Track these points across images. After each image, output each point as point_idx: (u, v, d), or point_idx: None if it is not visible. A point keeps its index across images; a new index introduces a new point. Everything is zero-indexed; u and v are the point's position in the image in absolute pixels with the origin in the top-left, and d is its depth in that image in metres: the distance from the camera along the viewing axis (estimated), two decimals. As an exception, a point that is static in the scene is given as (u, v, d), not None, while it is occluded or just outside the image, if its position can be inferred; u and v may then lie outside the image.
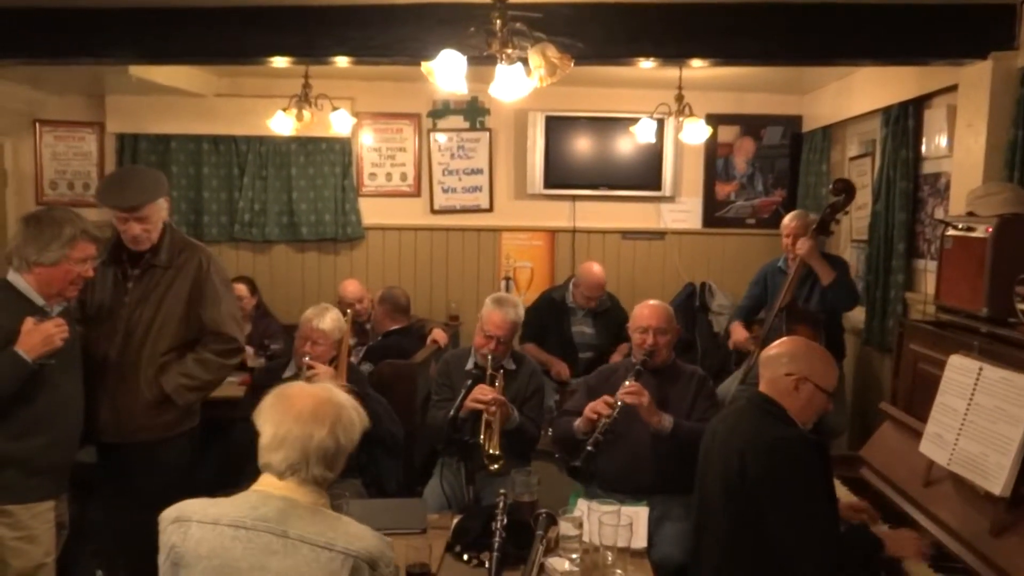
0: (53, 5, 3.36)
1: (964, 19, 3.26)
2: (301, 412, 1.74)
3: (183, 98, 5.50)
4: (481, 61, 2.95)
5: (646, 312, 3.34)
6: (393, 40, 3.38)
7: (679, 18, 3.30)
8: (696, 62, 3.53)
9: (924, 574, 2.32)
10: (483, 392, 3.18)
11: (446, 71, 2.75)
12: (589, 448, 2.96)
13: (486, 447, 3.16)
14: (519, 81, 2.84)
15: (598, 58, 3.40)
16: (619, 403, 3.04)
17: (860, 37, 3.32)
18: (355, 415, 1.80)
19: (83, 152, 5.80)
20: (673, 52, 3.42)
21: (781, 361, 2.52)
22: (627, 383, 3.11)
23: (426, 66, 2.79)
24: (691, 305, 5.78)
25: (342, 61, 3.53)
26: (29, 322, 2.58)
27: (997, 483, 2.27)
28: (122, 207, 2.95)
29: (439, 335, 4.85)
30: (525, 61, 2.85)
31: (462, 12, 3.19)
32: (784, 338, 2.72)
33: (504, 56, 2.83)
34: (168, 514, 1.77)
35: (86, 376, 2.93)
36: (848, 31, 3.31)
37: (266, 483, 1.76)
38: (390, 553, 1.74)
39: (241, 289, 5.11)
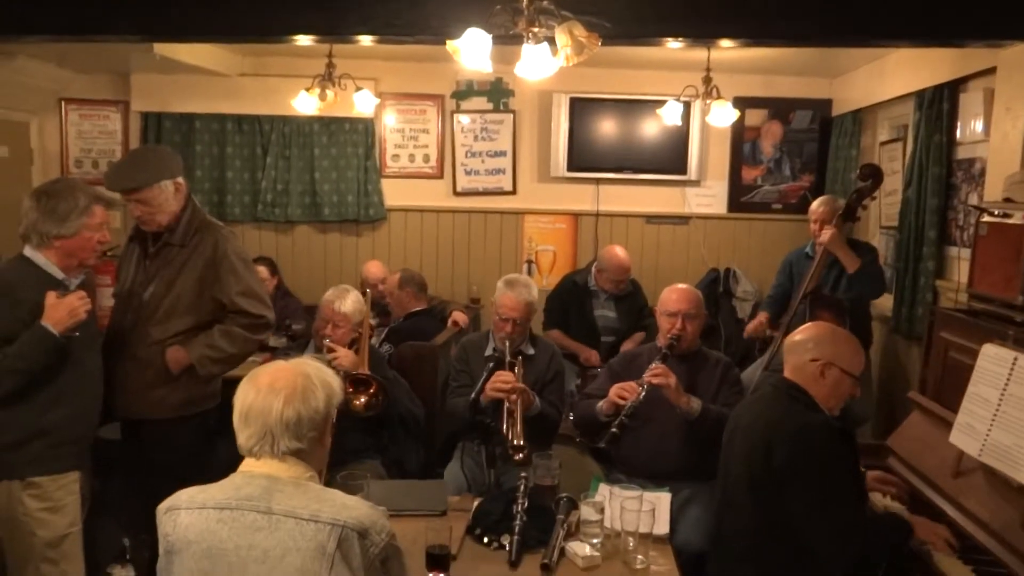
0: (77, -19, 3.35)
1: (1004, -1, 3.16)
2: (260, 387, 1.72)
3: (207, 77, 5.50)
4: (506, 40, 2.90)
5: (675, 296, 3.29)
6: (418, 18, 3.32)
7: (709, -3, 3.23)
8: (725, 43, 3.45)
9: (953, 565, 2.27)
10: (503, 380, 3.13)
11: (471, 50, 2.71)
12: (614, 430, 2.93)
13: (510, 438, 3.12)
14: (545, 60, 2.79)
15: (625, 38, 3.33)
16: (645, 385, 3.00)
17: (895, 17, 3.21)
18: (318, 384, 1.76)
19: (108, 131, 5.82)
20: (702, 32, 3.34)
21: (806, 347, 2.48)
22: (653, 366, 3.07)
23: (451, 44, 2.75)
24: (715, 291, 5.72)
25: (366, 40, 3.48)
26: (52, 296, 2.59)
27: (1031, 475, 2.22)
28: (117, 189, 2.94)
29: (459, 317, 4.83)
30: (551, 40, 2.81)
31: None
32: (808, 323, 2.67)
33: (530, 35, 2.78)
34: (162, 505, 1.77)
35: (105, 351, 2.95)
36: (882, 11, 3.21)
37: (248, 464, 1.75)
38: (383, 521, 1.72)
39: (261, 271, 5.10)
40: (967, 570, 2.23)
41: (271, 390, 1.72)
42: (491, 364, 3.17)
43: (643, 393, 2.99)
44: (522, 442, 3.10)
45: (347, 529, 1.65)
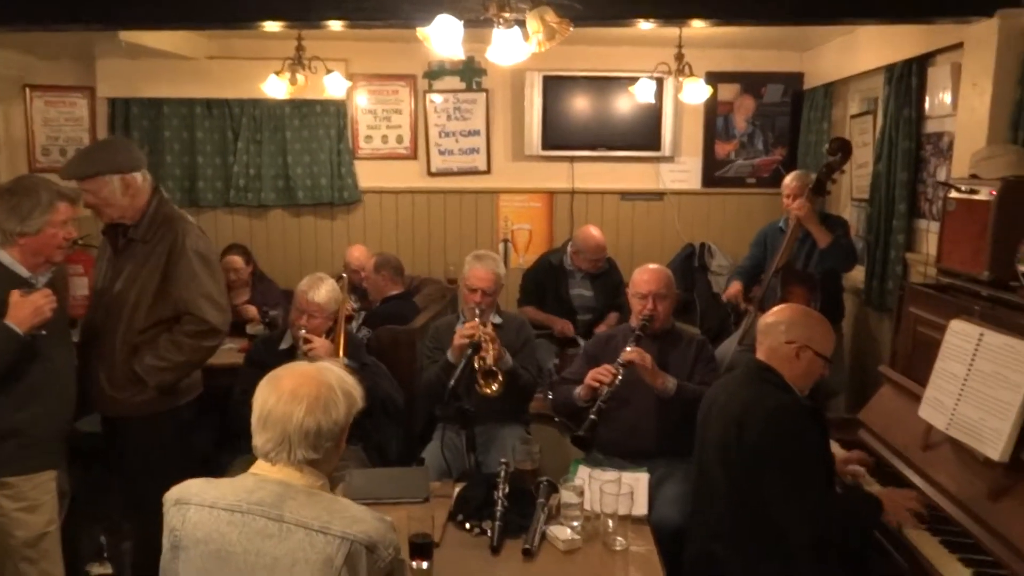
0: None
1: (970, -25, 3.19)
2: (282, 393, 1.71)
3: (174, 61, 5.41)
4: (478, 23, 2.89)
5: (645, 277, 3.32)
6: (387, 2, 3.29)
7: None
8: (696, 22, 3.46)
9: (922, 538, 2.34)
10: (470, 326, 3.25)
11: (442, 37, 2.70)
12: (592, 417, 2.97)
13: (482, 364, 3.19)
14: (517, 45, 2.78)
15: (597, 19, 3.32)
16: (621, 368, 3.04)
17: (863, -4, 3.25)
18: (340, 395, 1.75)
19: (75, 117, 5.72)
20: (673, 13, 3.34)
21: (780, 329, 2.52)
22: (628, 348, 3.11)
23: (422, 32, 2.73)
24: (690, 266, 5.77)
25: (336, 25, 3.45)
26: (16, 295, 2.55)
27: (995, 449, 2.29)
28: (65, 178, 2.89)
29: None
30: (522, 23, 2.80)
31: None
32: (782, 305, 2.71)
33: (501, 20, 2.77)
34: (171, 495, 1.76)
35: (80, 349, 2.94)
36: (851, -10, 3.24)
37: (262, 467, 1.75)
38: (391, 536, 1.72)
39: (236, 261, 5.06)
40: (935, 541, 2.30)
41: (293, 397, 1.70)
42: (470, 349, 3.19)
43: (620, 376, 3.03)
44: (495, 367, 3.18)
45: (356, 544, 1.65)
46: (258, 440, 1.74)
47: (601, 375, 3.07)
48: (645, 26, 3.49)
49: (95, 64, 5.52)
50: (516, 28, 2.78)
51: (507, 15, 2.78)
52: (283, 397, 1.71)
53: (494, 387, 3.15)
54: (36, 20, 3.46)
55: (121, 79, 5.55)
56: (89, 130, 5.75)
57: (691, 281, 5.69)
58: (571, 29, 2.71)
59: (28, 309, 2.54)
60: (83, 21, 3.49)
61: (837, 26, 4.69)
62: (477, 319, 3.32)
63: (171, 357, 2.98)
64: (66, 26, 3.55)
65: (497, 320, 3.54)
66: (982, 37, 3.32)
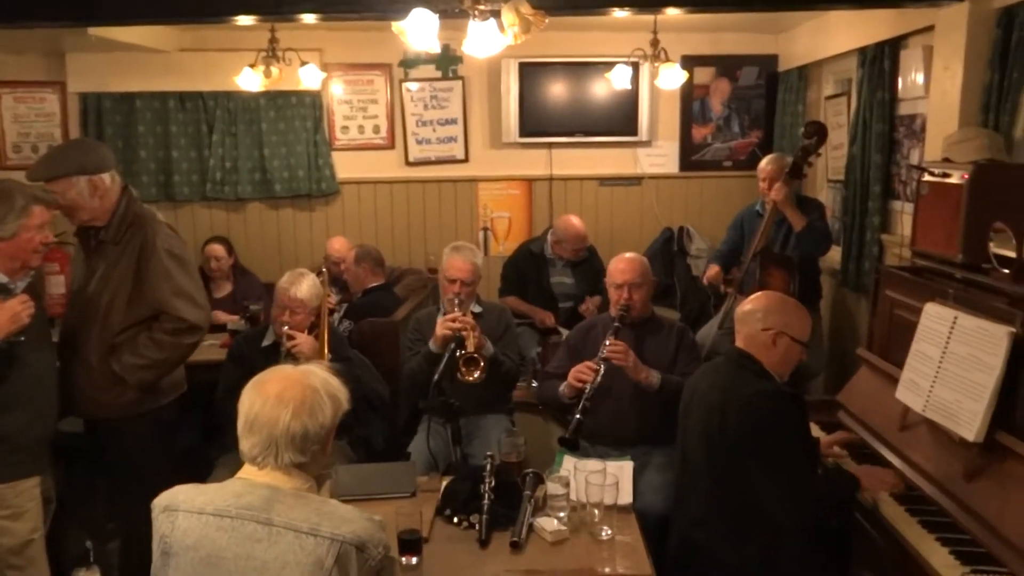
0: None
1: (940, -41, 3.22)
2: (268, 397, 1.71)
3: (146, 54, 5.34)
4: (453, 15, 2.88)
5: (620, 267, 3.33)
6: (361, -5, 3.29)
7: (653, -34, 3.23)
8: (671, 10, 3.47)
9: (901, 518, 2.39)
10: (451, 317, 3.26)
11: (418, 31, 2.69)
12: (578, 417, 2.98)
13: (464, 351, 3.20)
14: (492, 38, 2.78)
15: (572, 8, 3.34)
16: (602, 365, 3.06)
17: (837, -19, 3.27)
18: (326, 398, 1.75)
19: (45, 113, 5.63)
20: (648, 0, 3.35)
21: (756, 316, 2.56)
22: (608, 342, 3.13)
23: (397, 26, 2.72)
24: (669, 250, 5.81)
25: (309, 18, 3.43)
26: None
27: (971, 430, 2.33)
28: (32, 179, 2.82)
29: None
30: (497, 14, 2.79)
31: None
32: (758, 293, 2.74)
33: (476, 12, 2.76)
34: (159, 501, 1.77)
35: (59, 352, 2.91)
36: (825, -25, 3.26)
37: (249, 471, 1.75)
38: (380, 534, 1.73)
39: (218, 250, 5.07)
40: (914, 522, 2.35)
41: (279, 401, 1.70)
42: (453, 346, 3.20)
43: (601, 373, 3.05)
44: (476, 354, 3.20)
45: (346, 544, 1.66)
46: (245, 445, 1.74)
47: (583, 374, 3.08)
48: (620, 14, 3.49)
49: (65, 59, 5.45)
50: (492, 20, 2.77)
51: (482, 7, 2.77)
52: (269, 401, 1.71)
53: (476, 374, 3.16)
54: (3, 17, 3.41)
55: (92, 73, 5.47)
56: (61, 125, 5.66)
57: (670, 265, 5.73)
58: (547, 21, 2.71)
59: (5, 316, 2.51)
60: (52, 18, 3.45)
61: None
62: (456, 309, 3.33)
63: (150, 355, 2.95)
64: (35, 23, 3.50)
65: (477, 309, 3.56)
66: (953, 20, 3.35)
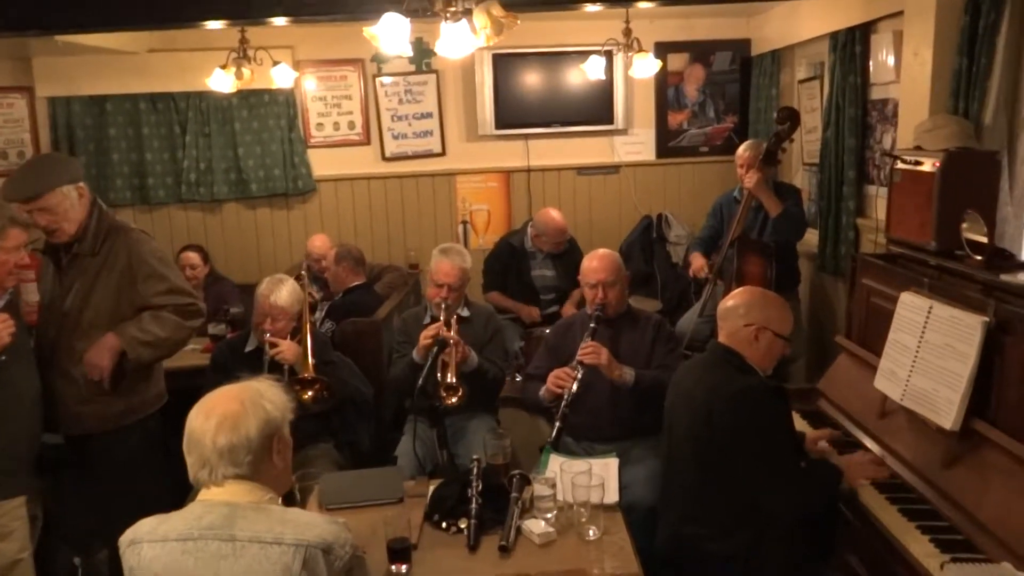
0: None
1: (908, -53, 3.23)
2: (197, 415, 1.76)
3: (114, 56, 5.28)
4: (424, 16, 2.87)
5: (593, 266, 3.32)
6: (331, -3, 3.26)
7: (624, -40, 3.22)
8: (642, 4, 3.47)
9: (882, 507, 2.43)
10: (433, 328, 3.25)
11: (390, 35, 2.67)
12: (558, 425, 3.00)
13: (444, 379, 3.22)
14: (465, 39, 2.77)
15: (544, 5, 3.34)
16: (579, 369, 3.07)
17: (806, -30, 3.28)
18: (249, 410, 1.77)
19: (14, 119, 5.54)
20: (618, -4, 3.36)
21: (738, 312, 2.58)
22: (583, 344, 3.13)
23: (368, 31, 2.71)
24: (649, 237, 5.83)
25: (280, 21, 3.41)
26: None
27: (948, 418, 2.38)
28: (16, 199, 2.81)
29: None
30: (469, 13, 2.78)
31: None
32: (739, 288, 2.77)
33: (448, 14, 2.75)
34: (124, 538, 1.78)
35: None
36: (794, -36, 3.27)
37: (207, 492, 1.77)
38: (345, 534, 1.76)
39: (193, 258, 5.01)
40: (894, 510, 2.39)
41: (206, 419, 1.75)
42: (435, 349, 3.21)
43: (579, 377, 3.06)
44: (455, 381, 3.21)
45: (311, 548, 1.69)
46: (188, 464, 1.77)
47: (561, 380, 3.09)
48: (592, 8, 3.49)
49: (32, 63, 5.37)
50: (464, 21, 2.76)
51: (453, 9, 2.76)
52: (198, 420, 1.76)
53: (454, 400, 3.19)
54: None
55: (60, 78, 5.40)
56: (30, 131, 5.58)
57: (650, 253, 5.75)
58: (518, 22, 2.71)
59: None
60: (18, 28, 3.41)
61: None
62: (443, 314, 3.33)
63: (154, 331, 2.96)
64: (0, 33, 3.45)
65: (465, 313, 3.56)
66: (921, 7, 3.38)
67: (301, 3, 3.28)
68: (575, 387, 3.05)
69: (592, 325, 3.21)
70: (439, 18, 2.79)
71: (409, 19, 2.71)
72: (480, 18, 2.68)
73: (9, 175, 3.00)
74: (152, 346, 2.98)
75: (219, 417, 1.74)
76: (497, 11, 2.66)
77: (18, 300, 2.91)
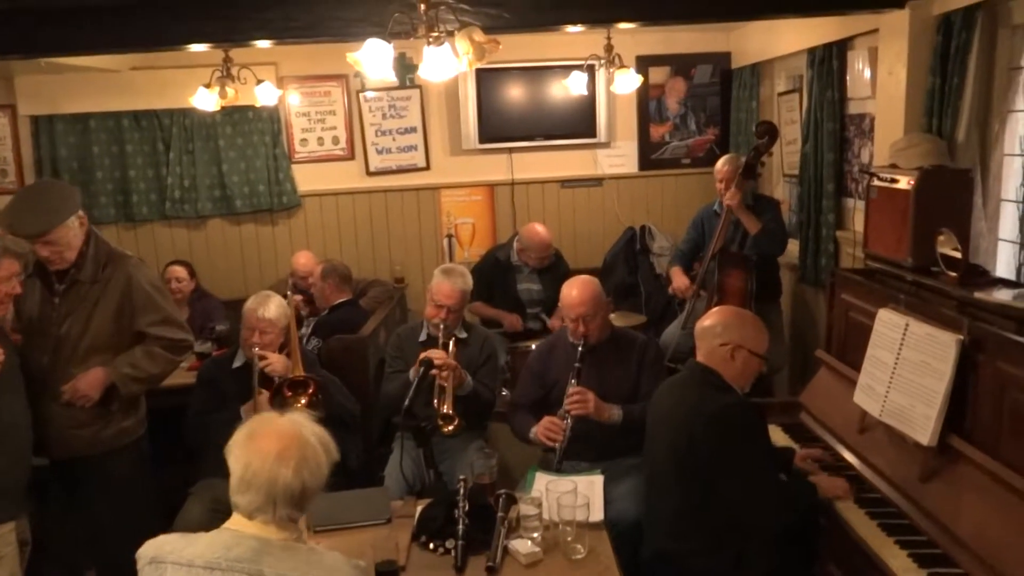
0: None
1: (881, -32, 3.30)
2: (267, 454, 1.72)
3: (97, 74, 5.28)
4: (407, 37, 2.90)
5: (574, 297, 3.26)
6: (315, 21, 3.28)
7: (604, -18, 3.27)
8: (624, 24, 3.52)
9: (861, 521, 2.48)
10: (435, 355, 3.25)
11: (373, 61, 2.70)
12: (557, 467, 3.04)
13: (440, 408, 3.25)
14: (447, 62, 2.80)
15: (525, 27, 3.38)
16: (568, 419, 3.09)
17: (782, -8, 3.35)
18: (321, 452, 1.78)
19: (-4, 137, 5.55)
20: (599, 17, 3.40)
21: (715, 331, 2.63)
22: (569, 391, 3.11)
23: (351, 57, 2.73)
24: (632, 249, 5.87)
25: (264, 43, 3.42)
26: None
27: (924, 434, 2.43)
28: (23, 235, 2.83)
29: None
30: (452, 34, 2.82)
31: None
32: (715, 308, 2.82)
33: (431, 38, 2.79)
34: (145, 552, 1.77)
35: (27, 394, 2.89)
36: (771, -14, 3.34)
37: (237, 522, 1.77)
38: None
39: (180, 271, 5.02)
40: (873, 525, 2.44)
41: (279, 459, 1.71)
42: (422, 368, 3.23)
43: (569, 427, 3.08)
44: (451, 412, 3.24)
45: None
46: (241, 500, 1.75)
47: (552, 432, 3.11)
48: (573, 30, 3.53)
49: (14, 82, 5.37)
50: (446, 45, 2.80)
51: (436, 34, 2.80)
52: (268, 459, 1.72)
53: (450, 428, 3.22)
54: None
55: (43, 96, 5.40)
56: (12, 149, 5.56)
57: (634, 264, 5.79)
58: (499, 48, 2.75)
59: None
60: (0, 52, 3.40)
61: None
62: (441, 335, 3.37)
63: (145, 367, 3.07)
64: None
65: (463, 334, 3.58)
66: (895, 26, 3.44)
67: (285, 27, 3.30)
68: (567, 434, 3.07)
69: (576, 365, 3.16)
70: (422, 41, 2.83)
71: (392, 45, 2.74)
72: (462, 44, 2.71)
73: (10, 204, 3.00)
74: (142, 382, 3.10)
75: (296, 460, 1.72)
76: (479, 36, 2.70)
77: (5, 328, 2.92)
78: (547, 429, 3.13)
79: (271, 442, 1.74)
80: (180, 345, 3.20)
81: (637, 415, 3.09)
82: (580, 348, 3.21)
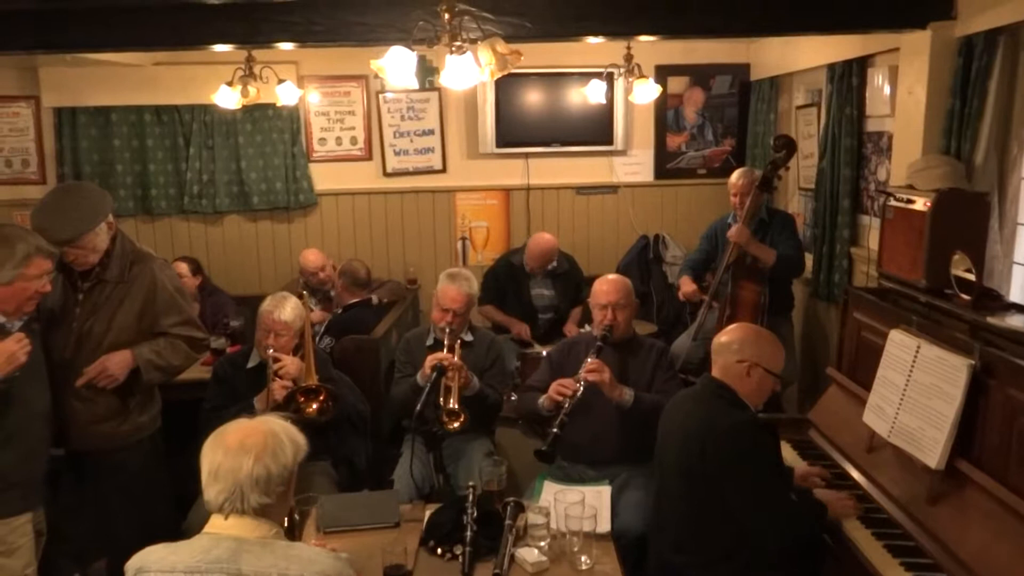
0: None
1: (904, -12, 3.30)
2: (229, 446, 1.79)
3: (121, 68, 5.33)
4: (429, 44, 2.93)
5: (605, 288, 3.39)
6: (338, 25, 3.32)
7: (625, -4, 3.29)
8: (643, 38, 3.54)
9: (868, 543, 2.48)
10: (440, 356, 3.30)
11: (397, 69, 2.73)
12: (555, 430, 3.06)
13: (445, 404, 3.28)
14: (469, 71, 2.83)
15: (546, 37, 3.40)
16: (582, 383, 3.14)
17: (803, 10, 3.35)
18: (285, 440, 1.84)
19: (19, 128, 5.60)
20: (620, 30, 3.43)
21: (732, 348, 2.64)
22: (588, 360, 3.20)
23: (375, 64, 2.76)
24: (645, 257, 5.89)
25: (286, 46, 3.46)
26: None
27: (933, 457, 2.44)
28: (55, 240, 2.86)
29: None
30: (475, 44, 2.84)
31: (409, 2, 3.16)
32: (734, 325, 2.82)
33: (453, 47, 2.81)
34: (131, 564, 1.82)
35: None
36: (792, 4, 3.34)
37: (215, 524, 1.81)
38: (347, 570, 1.82)
39: (181, 267, 5.04)
40: (879, 546, 2.44)
41: (241, 448, 1.78)
42: (434, 374, 3.27)
43: (580, 390, 3.12)
44: (458, 407, 3.26)
45: None
46: (210, 493, 1.80)
47: (564, 389, 3.16)
48: (593, 41, 3.55)
49: (38, 73, 5.43)
50: (469, 54, 2.82)
51: (459, 43, 2.82)
52: (231, 450, 1.79)
53: (455, 425, 3.24)
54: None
55: (66, 88, 5.46)
56: (35, 140, 5.64)
57: (646, 273, 5.81)
58: (521, 59, 2.77)
59: (2, 357, 2.54)
60: (27, 47, 3.46)
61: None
62: (447, 338, 3.40)
63: (168, 357, 3.15)
64: (9, 52, 3.51)
65: (468, 338, 3.62)
66: (916, 47, 3.45)
67: (308, 30, 3.33)
68: (577, 396, 3.11)
69: (598, 344, 3.27)
70: (445, 46, 2.85)
71: (415, 53, 2.77)
72: (485, 54, 2.74)
73: (42, 206, 3.02)
74: (163, 371, 3.17)
75: (258, 447, 1.78)
76: (502, 47, 2.72)
77: (33, 321, 2.96)
78: (560, 385, 3.17)
79: (235, 437, 1.81)
80: (200, 343, 3.31)
81: (647, 404, 3.13)
82: (603, 332, 3.30)
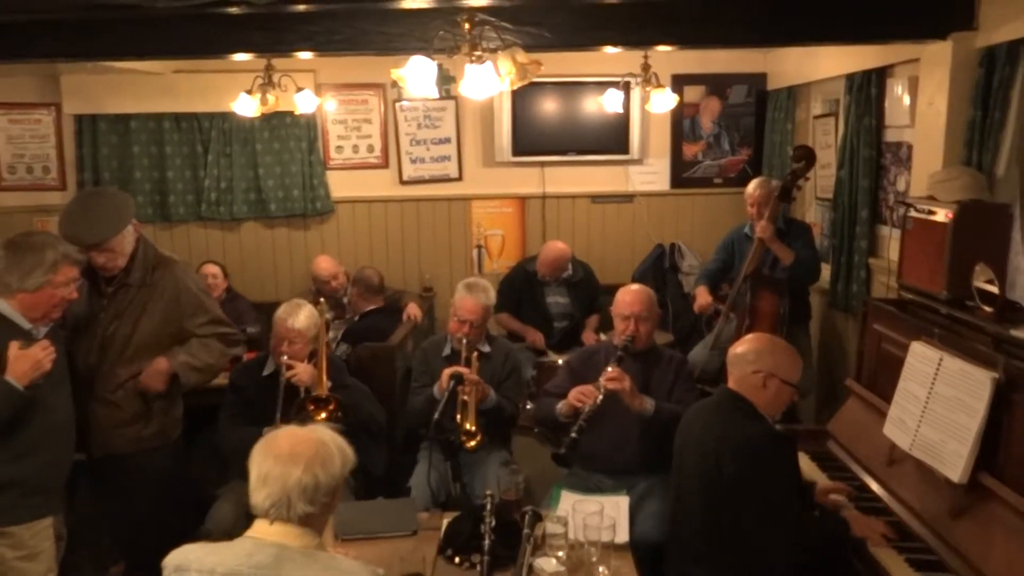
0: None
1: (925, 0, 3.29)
2: (280, 452, 1.80)
3: (141, 76, 5.37)
4: (449, 54, 2.95)
5: (628, 299, 3.38)
6: (358, 35, 3.34)
7: (644, 6, 3.29)
8: (661, 48, 3.54)
9: (888, 555, 2.46)
10: (461, 371, 3.30)
11: (417, 78, 2.75)
12: (573, 435, 3.05)
13: (463, 425, 3.28)
14: (489, 81, 2.84)
15: (565, 47, 3.41)
16: (602, 390, 3.13)
17: (822, 20, 3.34)
18: (335, 450, 1.85)
19: (40, 134, 5.66)
20: (638, 40, 3.43)
21: (748, 359, 2.63)
22: (609, 369, 3.18)
23: (396, 73, 2.78)
24: (661, 266, 5.88)
25: (307, 55, 3.48)
26: (15, 347, 2.57)
27: (955, 471, 2.42)
28: (82, 244, 2.90)
29: (413, 310, 4.90)
30: (495, 53, 2.85)
31: (430, 12, 3.17)
32: (750, 335, 2.81)
33: (473, 57, 2.82)
34: (170, 561, 1.83)
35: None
36: (810, 14, 3.33)
37: (259, 529, 1.82)
38: None
39: (215, 270, 5.11)
40: (900, 560, 2.42)
41: (292, 455, 1.79)
42: (453, 382, 3.27)
43: (600, 397, 3.11)
44: (474, 428, 3.27)
45: None
46: (257, 498, 1.81)
47: (583, 395, 3.15)
48: (611, 51, 3.55)
49: (59, 80, 5.48)
50: (488, 64, 2.83)
51: (479, 53, 2.84)
52: (282, 456, 1.80)
53: (472, 444, 3.25)
54: (5, 54, 3.45)
55: (87, 95, 5.51)
56: (56, 147, 5.69)
57: (662, 282, 5.80)
58: (541, 68, 2.78)
59: (28, 364, 2.56)
60: (49, 55, 3.49)
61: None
62: (463, 349, 3.41)
63: (203, 358, 3.21)
64: (32, 59, 3.54)
65: (486, 348, 3.61)
66: (937, 57, 3.43)
67: (328, 40, 3.35)
68: (597, 403, 3.09)
69: (619, 353, 3.26)
70: (465, 55, 2.86)
71: (436, 64, 2.78)
72: (505, 64, 2.75)
73: (68, 212, 3.08)
74: (201, 371, 3.21)
75: (307, 456, 1.80)
76: (522, 57, 2.74)
77: (58, 328, 2.98)
78: (580, 391, 3.16)
79: (286, 444, 1.83)
80: (231, 338, 3.34)
81: (667, 414, 3.12)
82: (625, 342, 3.29)
